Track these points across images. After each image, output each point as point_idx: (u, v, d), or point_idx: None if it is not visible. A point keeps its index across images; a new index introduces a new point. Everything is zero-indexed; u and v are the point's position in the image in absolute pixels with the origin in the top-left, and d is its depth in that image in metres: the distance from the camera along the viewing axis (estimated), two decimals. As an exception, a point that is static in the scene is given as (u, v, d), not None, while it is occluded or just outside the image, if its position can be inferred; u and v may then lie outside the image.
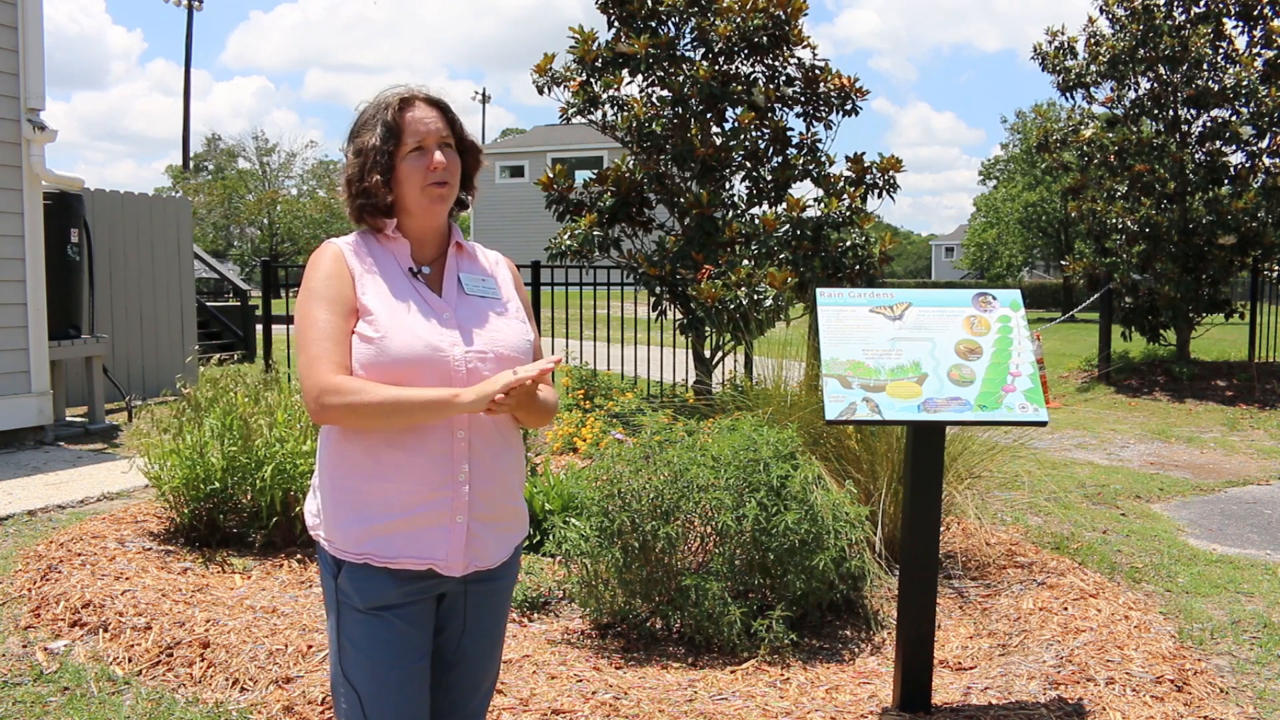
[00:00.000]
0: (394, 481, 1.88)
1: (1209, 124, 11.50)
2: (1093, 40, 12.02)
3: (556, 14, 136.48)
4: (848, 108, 8.41)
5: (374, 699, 1.92)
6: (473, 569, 1.96)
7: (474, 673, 2.09)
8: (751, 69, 8.42)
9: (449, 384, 1.88)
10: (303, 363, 1.87)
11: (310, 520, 2.01)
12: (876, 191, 8.25)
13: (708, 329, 8.01)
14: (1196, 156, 11.45)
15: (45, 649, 3.56)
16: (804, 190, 8.33)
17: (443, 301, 1.96)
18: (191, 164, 43.02)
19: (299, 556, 4.51)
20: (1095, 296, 12.04)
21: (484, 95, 66.50)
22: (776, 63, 8.38)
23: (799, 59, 8.38)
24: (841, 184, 8.21)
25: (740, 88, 8.21)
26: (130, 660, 3.45)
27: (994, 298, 3.26)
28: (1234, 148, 11.43)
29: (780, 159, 8.39)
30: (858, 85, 8.34)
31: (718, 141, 8.11)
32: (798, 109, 8.50)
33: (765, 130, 8.33)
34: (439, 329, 1.91)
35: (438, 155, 1.94)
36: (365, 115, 1.98)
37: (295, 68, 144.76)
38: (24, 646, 3.58)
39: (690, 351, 8.84)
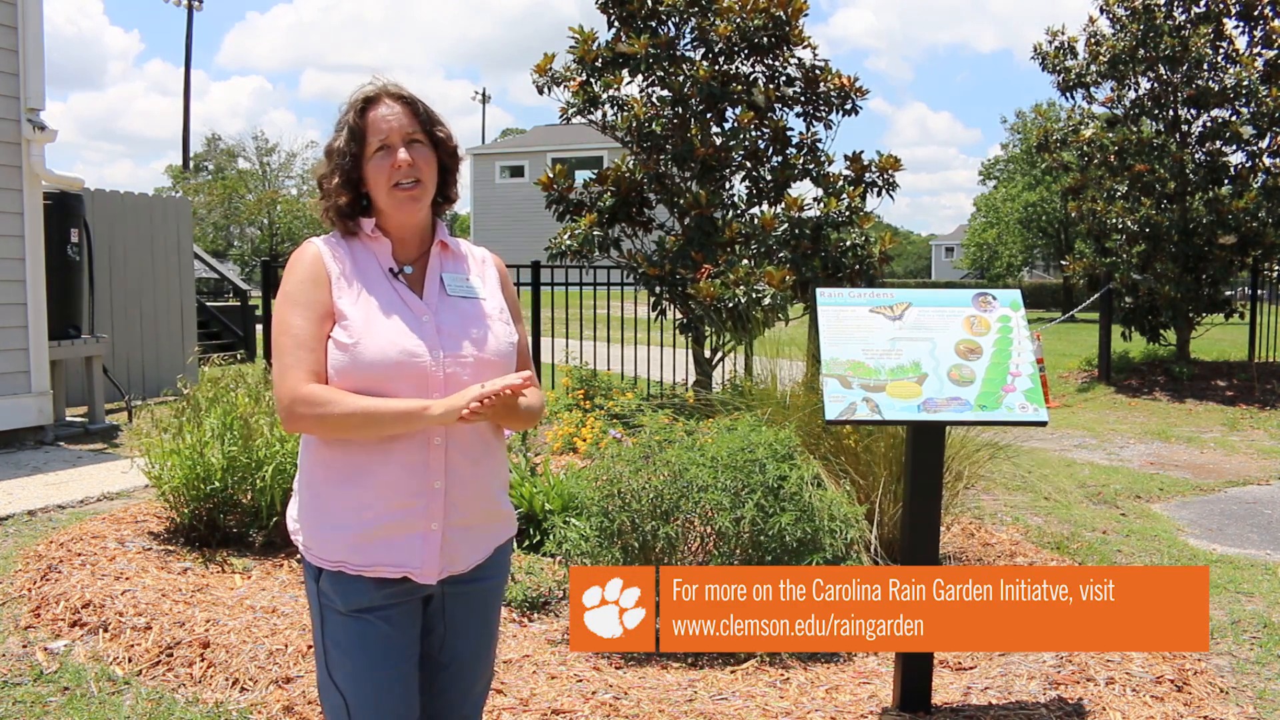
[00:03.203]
0: (369, 489, 1.86)
1: (1209, 124, 11.50)
2: (1093, 40, 12.02)
3: (553, 14, 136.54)
4: (848, 107, 8.41)
5: (359, 702, 1.90)
6: (446, 574, 1.94)
7: (464, 676, 2.07)
8: (751, 69, 8.42)
9: (426, 389, 1.86)
10: (276, 370, 1.86)
11: (291, 525, 1.99)
12: (876, 191, 8.25)
13: (707, 329, 8.01)
14: (1196, 156, 11.45)
15: (45, 649, 3.56)
16: (804, 190, 8.34)
17: (422, 304, 1.92)
18: (191, 164, 43.01)
19: (299, 556, 4.51)
20: (1095, 296, 12.03)
21: (484, 95, 66.58)
22: (776, 63, 8.37)
23: (799, 59, 8.38)
24: (841, 183, 8.21)
25: (740, 88, 8.21)
26: (130, 660, 3.45)
27: (994, 298, 3.26)
28: (1234, 148, 11.43)
29: (780, 159, 8.39)
30: (858, 85, 8.34)
31: (718, 141, 8.11)
32: (798, 109, 8.50)
33: (765, 130, 8.33)
34: (416, 333, 1.88)
35: (401, 154, 1.89)
36: (339, 117, 1.96)
37: (291, 68, 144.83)
38: (24, 646, 3.58)
39: (690, 351, 8.84)
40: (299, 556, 4.48)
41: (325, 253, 1.93)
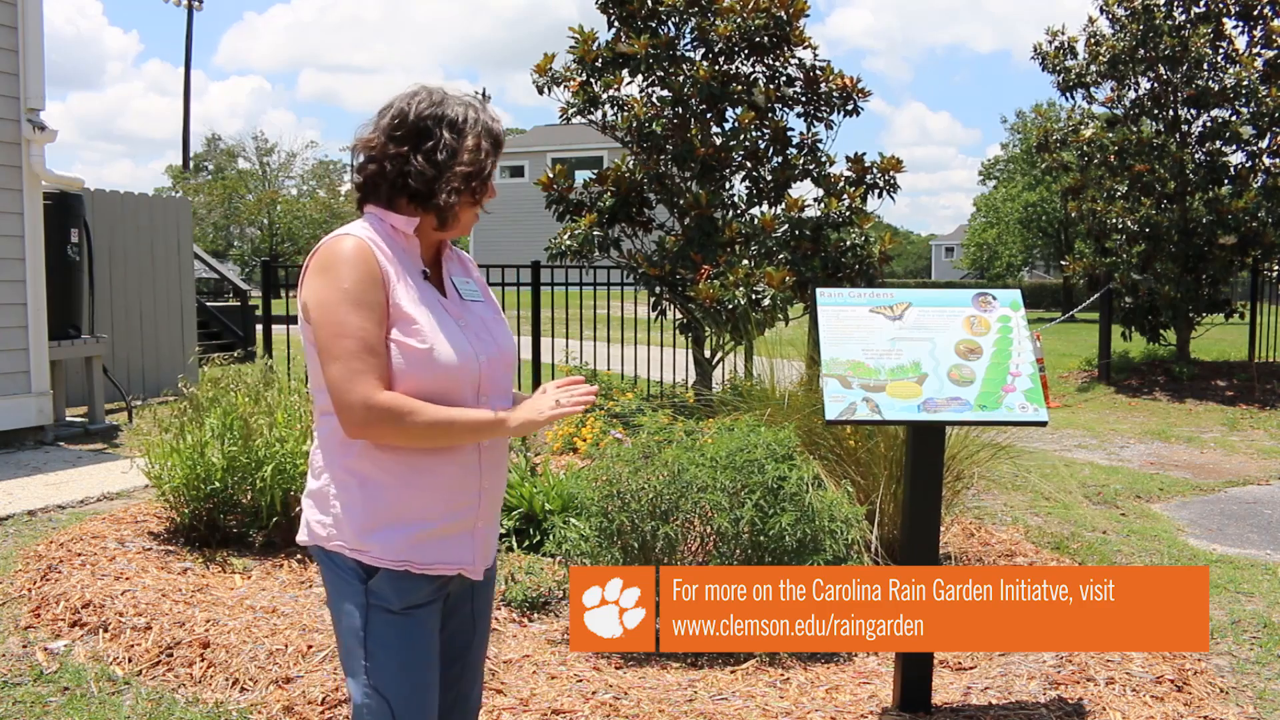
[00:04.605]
0: (430, 489, 1.89)
1: (1209, 124, 11.50)
2: (1093, 40, 12.02)
3: (552, 14, 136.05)
4: (849, 108, 8.40)
5: (405, 703, 1.89)
6: (482, 570, 2.04)
7: (477, 662, 2.15)
8: (752, 69, 8.42)
9: (476, 390, 1.90)
10: (339, 374, 1.78)
11: (322, 530, 1.91)
12: (877, 192, 8.25)
13: (707, 329, 8.01)
14: (1196, 156, 11.45)
15: (45, 649, 3.56)
16: (804, 190, 8.33)
17: (456, 307, 1.96)
18: (191, 164, 43.02)
19: (299, 556, 4.51)
20: (1095, 296, 12.04)
21: (483, 95, 66.43)
22: (777, 63, 8.37)
23: (800, 59, 8.37)
24: (842, 184, 8.21)
25: (740, 88, 8.20)
26: (130, 660, 3.45)
27: (994, 298, 3.26)
28: (1234, 148, 11.43)
29: (780, 159, 8.39)
30: (859, 85, 8.32)
31: (718, 141, 8.11)
32: (798, 109, 8.49)
33: (765, 130, 8.33)
34: (463, 334, 1.92)
35: (493, 183, 1.97)
36: (456, 112, 1.90)
37: (289, 68, 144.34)
38: (24, 646, 3.58)
39: (690, 352, 8.84)
40: (299, 557, 4.49)
41: (375, 249, 1.86)
